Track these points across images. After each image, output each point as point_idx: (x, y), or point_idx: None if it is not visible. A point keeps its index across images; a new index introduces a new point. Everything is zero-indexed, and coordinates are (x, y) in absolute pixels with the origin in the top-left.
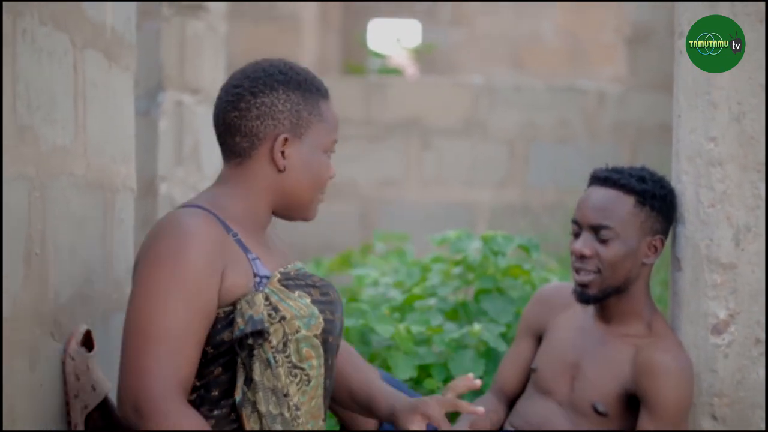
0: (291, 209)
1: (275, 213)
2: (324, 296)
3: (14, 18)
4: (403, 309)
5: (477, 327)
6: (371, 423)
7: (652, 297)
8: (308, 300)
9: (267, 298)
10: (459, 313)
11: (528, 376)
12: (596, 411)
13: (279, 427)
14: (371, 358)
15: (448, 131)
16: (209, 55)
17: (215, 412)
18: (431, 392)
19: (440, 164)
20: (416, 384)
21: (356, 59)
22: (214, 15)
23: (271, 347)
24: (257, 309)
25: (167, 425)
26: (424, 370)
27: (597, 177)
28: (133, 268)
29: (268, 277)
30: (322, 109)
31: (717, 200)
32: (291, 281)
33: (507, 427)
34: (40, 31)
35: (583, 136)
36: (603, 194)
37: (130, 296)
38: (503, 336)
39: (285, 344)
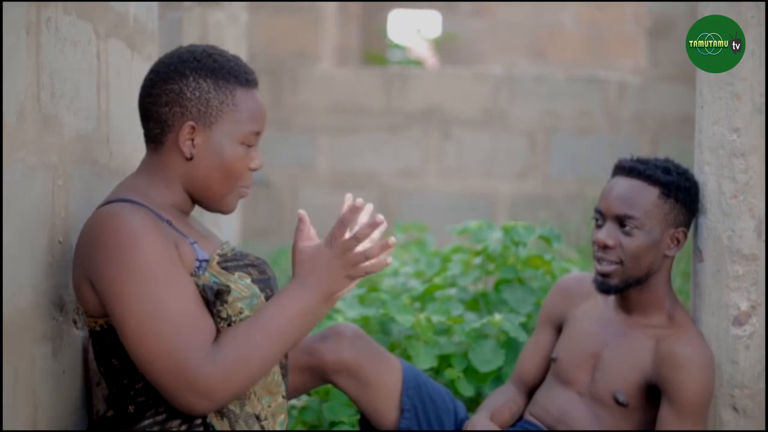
0: (204, 199)
1: (194, 201)
2: (262, 274)
3: (38, 7)
4: (423, 299)
5: (497, 317)
6: (390, 418)
7: (673, 288)
8: (248, 280)
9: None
10: (479, 303)
11: (548, 365)
12: (616, 401)
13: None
14: (391, 348)
15: (468, 122)
16: (230, 46)
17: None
18: (451, 382)
19: (460, 155)
20: (436, 374)
21: (376, 50)
22: (236, 5)
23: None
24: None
25: (226, 380)
26: (445, 360)
27: (622, 167)
28: (76, 270)
29: (207, 261)
30: (239, 98)
31: (739, 191)
32: (230, 263)
33: (526, 416)
34: (64, 20)
35: (604, 127)
36: (628, 184)
37: (111, 305)
38: (523, 326)
39: (229, 326)
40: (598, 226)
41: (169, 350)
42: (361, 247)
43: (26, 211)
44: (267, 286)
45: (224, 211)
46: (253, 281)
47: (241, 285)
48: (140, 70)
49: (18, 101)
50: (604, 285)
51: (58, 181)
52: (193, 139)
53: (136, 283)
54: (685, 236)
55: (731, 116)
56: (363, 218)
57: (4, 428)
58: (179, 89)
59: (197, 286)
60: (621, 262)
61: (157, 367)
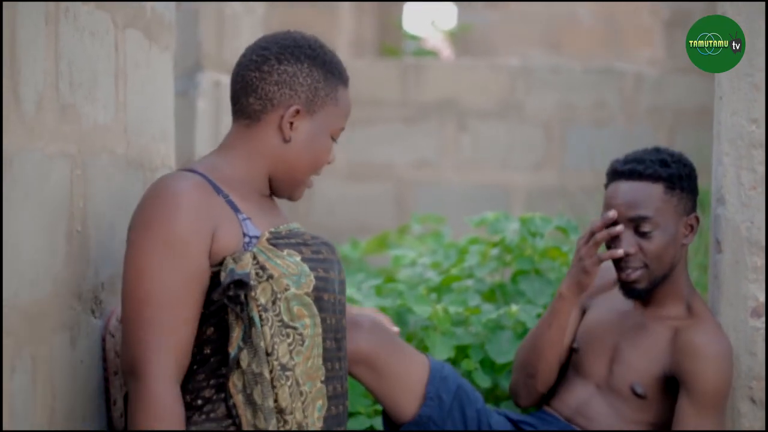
0: (283, 183)
1: (271, 183)
2: (316, 254)
3: None
4: (440, 290)
5: (514, 308)
6: (409, 409)
7: (690, 279)
8: (298, 258)
9: (255, 258)
10: (496, 294)
11: (573, 339)
12: (635, 393)
13: (258, 387)
14: (408, 338)
15: (484, 113)
16: (247, 36)
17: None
18: (468, 373)
19: (476, 146)
20: (453, 364)
21: (392, 41)
22: None
23: (258, 306)
24: (242, 265)
25: (151, 404)
26: (462, 351)
27: (620, 172)
28: (128, 230)
29: (258, 237)
30: (339, 94)
31: (758, 182)
32: (281, 240)
33: (545, 407)
34: (82, 10)
35: (621, 119)
36: (631, 187)
37: (124, 260)
38: (540, 317)
39: (274, 302)
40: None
41: (142, 322)
42: None
43: (44, 201)
44: (321, 266)
45: (294, 199)
46: (304, 260)
47: (288, 261)
48: (158, 60)
49: (37, 90)
50: (633, 292)
51: (76, 170)
52: (292, 123)
53: (149, 252)
54: (698, 220)
55: (750, 107)
56: None
57: (23, 417)
58: (294, 72)
59: (225, 269)
60: (646, 266)
61: (130, 329)
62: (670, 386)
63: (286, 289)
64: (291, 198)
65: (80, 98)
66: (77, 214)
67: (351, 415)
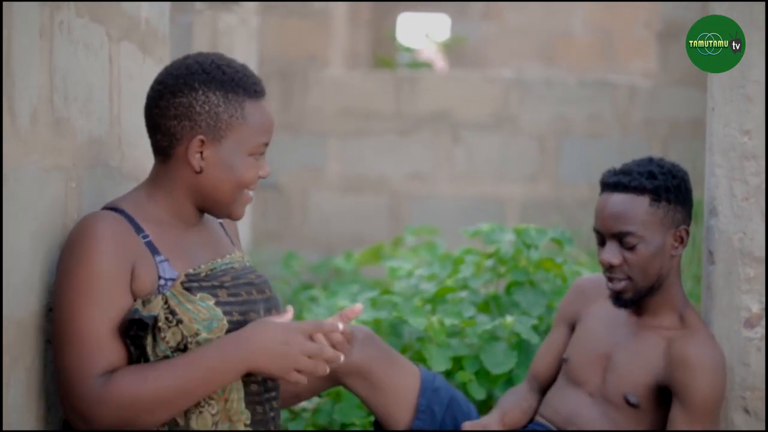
0: (213, 208)
1: (202, 210)
2: (234, 296)
3: (51, 10)
4: (435, 301)
5: (509, 319)
6: (403, 420)
7: (684, 290)
8: (212, 302)
9: (166, 301)
10: (491, 306)
11: (561, 364)
12: (628, 402)
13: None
14: (403, 350)
15: (478, 125)
16: (241, 49)
17: None
18: (463, 384)
19: (470, 158)
20: (448, 376)
21: (386, 53)
22: (246, 9)
23: (169, 347)
24: (150, 308)
25: (110, 403)
26: (457, 362)
27: (606, 183)
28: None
29: (173, 280)
30: (248, 111)
31: (751, 194)
32: (195, 283)
33: (537, 417)
34: (76, 23)
35: (615, 131)
36: (617, 200)
37: (53, 307)
38: (535, 328)
39: (185, 346)
40: (600, 245)
41: (69, 364)
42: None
43: (40, 214)
44: (237, 309)
45: (234, 218)
46: (218, 303)
47: (200, 306)
48: (152, 73)
49: (31, 104)
50: (620, 302)
51: (70, 183)
52: (202, 152)
53: (70, 291)
54: (688, 233)
55: (743, 118)
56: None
57: (19, 428)
58: (188, 103)
59: (129, 310)
60: (630, 278)
61: (59, 373)
62: (664, 396)
63: (197, 334)
64: (231, 218)
65: (75, 111)
66: (71, 226)
67: (345, 426)
